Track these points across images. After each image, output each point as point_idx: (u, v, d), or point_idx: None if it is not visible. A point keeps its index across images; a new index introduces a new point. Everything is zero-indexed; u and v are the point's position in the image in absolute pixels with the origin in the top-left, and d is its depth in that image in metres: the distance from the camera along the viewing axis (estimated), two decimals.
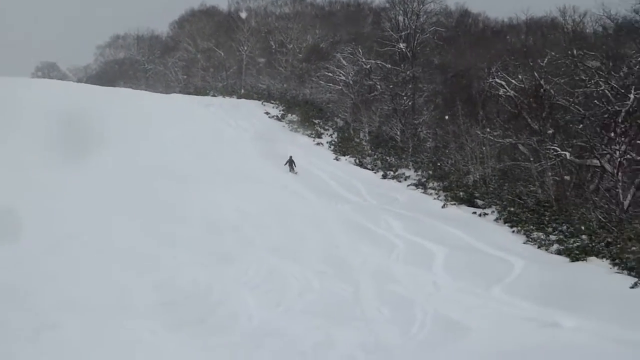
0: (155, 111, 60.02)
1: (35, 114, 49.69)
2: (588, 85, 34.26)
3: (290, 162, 45.19)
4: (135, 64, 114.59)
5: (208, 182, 38.49)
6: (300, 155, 48.68)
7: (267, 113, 66.84)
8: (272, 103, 71.49)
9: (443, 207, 37.49)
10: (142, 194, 33.87)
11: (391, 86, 55.66)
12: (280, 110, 68.09)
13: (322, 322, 18.00)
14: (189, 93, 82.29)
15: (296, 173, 44.64)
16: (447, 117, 47.06)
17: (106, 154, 41.07)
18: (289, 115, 65.75)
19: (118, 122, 51.89)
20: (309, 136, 58.49)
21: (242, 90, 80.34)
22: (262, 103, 71.68)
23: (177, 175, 38.95)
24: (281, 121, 64.29)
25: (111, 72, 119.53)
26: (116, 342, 15.91)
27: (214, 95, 78.27)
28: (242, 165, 43.88)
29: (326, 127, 61.35)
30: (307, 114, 65.10)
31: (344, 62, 62.20)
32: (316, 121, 63.10)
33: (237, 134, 56.08)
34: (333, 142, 55.71)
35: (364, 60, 60.12)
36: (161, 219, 29.88)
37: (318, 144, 56.03)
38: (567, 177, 34.39)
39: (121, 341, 15.98)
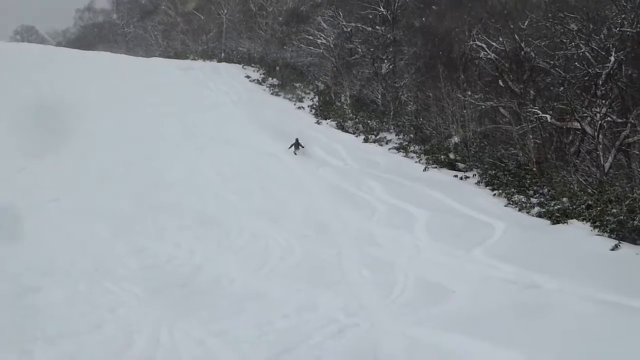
0: (135, 75, 59.74)
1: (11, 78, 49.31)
2: (569, 48, 34.24)
3: (297, 145, 40.73)
4: (114, 28, 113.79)
5: (188, 146, 38.38)
6: (281, 119, 48.66)
7: (247, 77, 66.57)
8: (253, 67, 71.21)
9: (424, 170, 37.49)
10: (122, 159, 33.76)
11: (372, 49, 55.42)
12: (260, 74, 67.80)
13: (304, 286, 18.05)
14: (169, 57, 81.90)
15: (295, 153, 40.29)
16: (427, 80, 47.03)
17: (85, 119, 40.78)
18: (270, 79, 65.51)
19: (97, 86, 51.61)
20: (290, 100, 58.24)
21: (223, 54, 79.90)
22: (242, 67, 71.43)
23: (157, 140, 38.81)
24: (262, 85, 64.02)
25: (90, 36, 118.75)
26: (98, 305, 15.90)
27: (194, 59, 77.97)
28: (222, 129, 43.70)
29: (307, 91, 61.04)
30: (288, 77, 64.81)
31: (324, 25, 61.83)
32: (297, 85, 62.80)
33: (217, 98, 55.81)
34: (314, 106, 55.42)
35: (344, 23, 59.74)
36: (141, 184, 29.85)
37: (299, 107, 55.80)
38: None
39: (103, 305, 15.97)
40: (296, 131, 42.94)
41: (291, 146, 40.15)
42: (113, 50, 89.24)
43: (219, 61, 76.08)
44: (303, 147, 40.54)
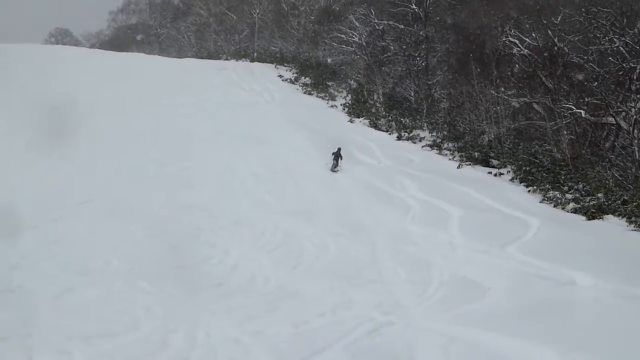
0: (168, 76, 59.99)
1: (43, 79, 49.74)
2: (602, 43, 34.07)
3: (337, 156, 36.05)
4: (147, 29, 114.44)
5: (222, 145, 38.46)
6: (314, 118, 48.75)
7: (280, 76, 66.58)
8: (285, 66, 71.18)
9: (458, 167, 37.44)
10: (155, 158, 33.95)
11: (404, 47, 55.31)
12: (293, 73, 67.77)
13: (339, 284, 18.09)
14: (202, 57, 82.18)
15: (336, 170, 35.42)
16: (460, 76, 46.89)
17: (118, 120, 41.12)
18: (302, 77, 65.47)
19: (130, 87, 51.90)
20: (323, 99, 58.26)
21: (255, 54, 79.97)
22: (275, 66, 71.42)
23: (190, 140, 38.97)
24: (294, 84, 64.03)
25: (124, 38, 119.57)
26: (134, 305, 16.00)
27: (226, 59, 78.00)
28: (256, 129, 43.78)
29: (340, 90, 61.01)
30: (320, 76, 64.83)
31: (356, 23, 61.78)
32: (329, 83, 62.79)
33: (250, 98, 55.91)
34: (347, 105, 55.40)
35: (376, 21, 59.62)
36: (174, 184, 30.00)
37: (332, 106, 55.82)
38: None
39: (139, 305, 16.06)
40: (331, 130, 43.07)
41: (333, 155, 36.06)
42: (146, 51, 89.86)
43: (251, 61, 76.14)
44: (341, 159, 35.94)
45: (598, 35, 34.39)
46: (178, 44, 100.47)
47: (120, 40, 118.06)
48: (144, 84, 54.39)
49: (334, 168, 35.42)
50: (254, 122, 45.98)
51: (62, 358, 13.04)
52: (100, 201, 26.66)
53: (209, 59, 79.52)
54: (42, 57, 61.76)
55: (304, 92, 60.75)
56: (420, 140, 44.75)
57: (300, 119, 47.54)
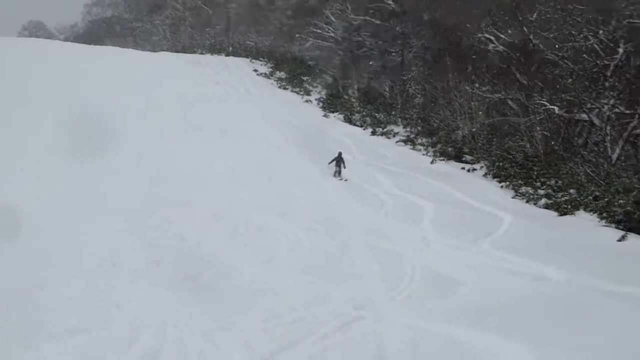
0: (142, 69, 59.79)
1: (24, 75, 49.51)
2: (577, 40, 34.25)
3: (339, 162, 33.57)
4: (122, 22, 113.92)
5: (197, 139, 38.41)
6: (289, 112, 48.76)
7: (255, 70, 66.55)
8: (261, 60, 71.18)
9: (432, 162, 37.56)
10: (130, 152, 33.83)
11: (380, 42, 55.45)
12: (268, 68, 67.80)
13: (313, 279, 18.07)
14: (177, 51, 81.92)
15: (341, 179, 32.86)
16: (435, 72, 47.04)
17: (89, 113, 40.84)
18: (278, 72, 65.53)
19: (104, 80, 51.67)
20: (298, 93, 58.33)
21: (230, 48, 79.85)
22: (250, 60, 71.41)
23: (165, 134, 38.86)
24: (270, 78, 64.03)
25: (98, 31, 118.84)
26: (106, 300, 15.92)
27: (202, 53, 77.82)
28: (230, 123, 43.71)
29: (315, 84, 61.16)
30: (295, 71, 64.95)
31: (332, 18, 61.92)
32: (305, 78, 62.92)
33: (225, 92, 55.84)
34: (322, 99, 55.53)
35: (352, 16, 59.76)
36: (150, 178, 29.91)
37: (307, 101, 55.89)
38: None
39: (111, 300, 15.98)
40: (306, 125, 43.11)
41: (332, 162, 33.69)
42: (121, 45, 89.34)
43: (226, 55, 76.03)
44: (345, 167, 33.39)
45: (573, 32, 34.58)
46: (153, 37, 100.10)
47: (94, 33, 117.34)
48: (118, 77, 54.20)
49: (337, 175, 33.03)
50: (229, 116, 45.93)
51: (30, 354, 12.94)
52: (76, 197, 26.51)
53: (184, 52, 79.24)
54: (16, 49, 61.33)
55: (279, 87, 60.81)
56: (394, 136, 44.88)
57: (275, 114, 47.59)
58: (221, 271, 18.95)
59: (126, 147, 34.51)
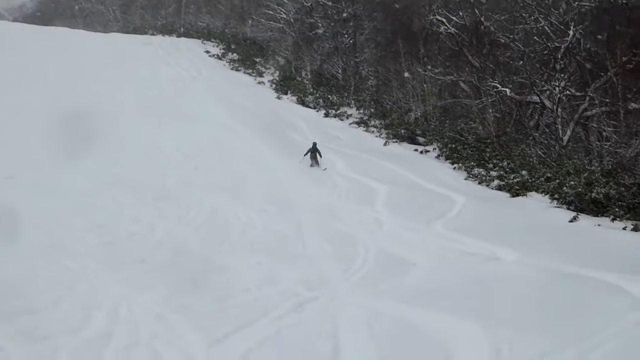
0: (92, 51, 59.06)
1: None
2: (528, 22, 34.42)
3: (314, 152, 32.46)
4: (72, 3, 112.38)
5: (148, 121, 38.02)
6: (242, 94, 48.56)
7: (207, 52, 66.19)
8: (213, 42, 70.77)
9: (385, 144, 37.63)
10: (78, 133, 33.40)
11: (332, 24, 55.33)
12: (220, 49, 67.46)
13: (265, 260, 17.99)
14: (128, 32, 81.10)
15: (324, 169, 31.45)
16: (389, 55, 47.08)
17: (39, 95, 40.23)
18: (230, 54, 65.25)
19: (53, 62, 50.99)
20: (250, 75, 58.14)
21: (182, 29, 79.18)
22: (202, 42, 70.98)
23: (116, 115, 38.43)
24: (222, 60, 63.74)
25: (47, 11, 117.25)
26: (56, 282, 15.67)
27: (153, 35, 77.11)
28: (182, 105, 43.41)
29: (267, 66, 61.02)
30: (247, 52, 64.76)
31: (284, 0, 61.66)
32: (257, 60, 62.74)
33: (177, 73, 55.43)
34: (274, 81, 55.40)
35: None
36: (99, 160, 29.60)
37: (259, 82, 55.71)
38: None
39: (62, 282, 15.75)
40: (258, 107, 42.97)
41: (307, 154, 32.47)
42: (71, 26, 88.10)
43: (178, 36, 75.40)
44: (321, 157, 32.33)
45: (524, 14, 34.74)
46: (103, 18, 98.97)
47: (43, 14, 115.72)
48: (68, 59, 53.48)
49: (315, 166, 31.85)
50: (180, 98, 45.67)
51: None
52: (22, 177, 26.14)
53: (135, 34, 78.45)
54: None
55: (231, 68, 60.58)
56: (347, 118, 44.90)
57: (227, 95, 47.37)
58: (173, 253, 18.81)
59: (73, 127, 34.00)
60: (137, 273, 16.72)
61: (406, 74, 42.37)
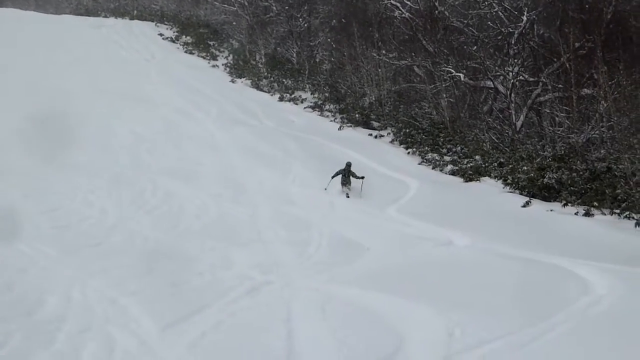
0: (44, 33, 58.30)
1: None
2: (482, 7, 34.58)
3: (346, 175, 25.27)
4: None
5: (101, 104, 37.61)
6: (195, 77, 48.33)
7: (160, 35, 65.63)
8: (166, 24, 70.20)
9: (339, 129, 37.62)
10: (31, 116, 32.97)
11: (286, 7, 55.16)
12: (174, 32, 66.92)
13: (219, 244, 17.96)
14: (80, 14, 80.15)
15: (348, 195, 24.77)
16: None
17: None
18: (184, 36, 64.77)
19: (3, 44, 50.35)
20: (204, 58, 57.81)
21: (135, 12, 78.39)
22: (155, 24, 70.34)
23: (68, 99, 37.95)
24: (175, 43, 63.27)
25: None
26: (7, 266, 15.50)
27: (105, 17, 76.25)
28: (135, 88, 43.06)
29: (221, 49, 60.74)
30: (201, 35, 64.33)
31: None
32: (211, 43, 62.44)
33: (130, 56, 54.97)
34: (228, 65, 55.14)
35: None
36: (51, 142, 29.21)
37: (213, 66, 55.42)
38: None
39: (13, 266, 15.58)
40: (212, 90, 42.79)
41: (335, 176, 25.48)
42: (22, 7, 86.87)
43: (131, 19, 74.56)
44: (363, 178, 25.18)
45: None
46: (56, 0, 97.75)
47: None
48: (18, 41, 52.84)
49: (346, 191, 25.07)
50: (134, 81, 45.27)
51: None
52: None
53: (88, 15, 77.55)
54: None
55: (185, 52, 60.18)
56: (302, 102, 44.82)
57: (181, 79, 47.16)
58: (127, 237, 18.71)
59: (25, 110, 33.55)
60: (90, 257, 16.59)
61: (361, 64, 42.46)
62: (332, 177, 25.24)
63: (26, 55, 47.92)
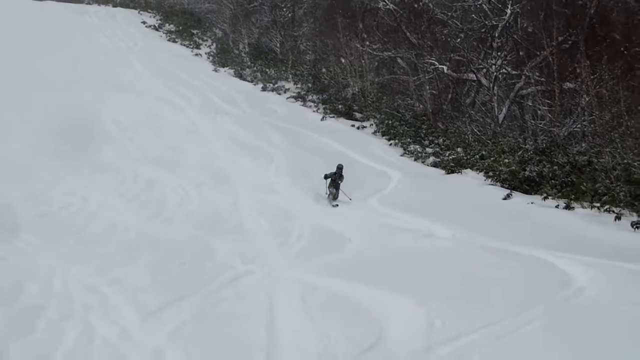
0: (26, 20, 57.94)
1: None
2: (466, 0, 34.64)
3: (336, 179, 23.34)
4: None
5: (83, 92, 37.38)
6: (178, 66, 48.18)
7: (144, 22, 65.31)
8: (150, 12, 69.92)
9: (322, 119, 37.62)
10: (13, 103, 32.81)
11: None
12: (157, 20, 66.68)
13: (201, 233, 17.94)
14: (62, 1, 79.70)
15: (336, 205, 22.42)
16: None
17: None
18: (167, 25, 64.56)
19: None
20: (187, 47, 57.66)
21: None
22: (138, 12, 70.06)
23: (50, 86, 37.77)
24: (159, 31, 63.04)
25: None
26: None
27: (89, 4, 75.80)
28: (117, 76, 42.86)
29: (205, 38, 60.66)
30: (185, 23, 64.15)
31: None
32: (194, 31, 62.28)
33: (113, 44, 54.71)
34: (212, 53, 55.02)
35: None
36: (35, 130, 29.08)
37: (196, 54, 55.30)
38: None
39: None
40: (193, 78, 42.62)
41: (327, 177, 23.63)
42: None
43: (114, 6, 74.31)
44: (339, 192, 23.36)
45: None
46: None
47: None
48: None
49: (332, 200, 22.99)
50: (116, 69, 45.06)
51: None
52: None
53: (70, 2, 77.09)
54: None
55: (168, 40, 60.00)
56: (285, 92, 44.78)
57: (163, 67, 47.00)
58: (108, 225, 18.63)
59: (9, 100, 33.38)
60: (71, 245, 16.51)
61: (343, 60, 42.46)
62: (325, 178, 23.45)
63: (5, 42, 47.56)
